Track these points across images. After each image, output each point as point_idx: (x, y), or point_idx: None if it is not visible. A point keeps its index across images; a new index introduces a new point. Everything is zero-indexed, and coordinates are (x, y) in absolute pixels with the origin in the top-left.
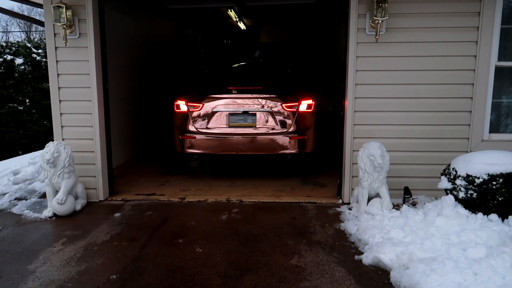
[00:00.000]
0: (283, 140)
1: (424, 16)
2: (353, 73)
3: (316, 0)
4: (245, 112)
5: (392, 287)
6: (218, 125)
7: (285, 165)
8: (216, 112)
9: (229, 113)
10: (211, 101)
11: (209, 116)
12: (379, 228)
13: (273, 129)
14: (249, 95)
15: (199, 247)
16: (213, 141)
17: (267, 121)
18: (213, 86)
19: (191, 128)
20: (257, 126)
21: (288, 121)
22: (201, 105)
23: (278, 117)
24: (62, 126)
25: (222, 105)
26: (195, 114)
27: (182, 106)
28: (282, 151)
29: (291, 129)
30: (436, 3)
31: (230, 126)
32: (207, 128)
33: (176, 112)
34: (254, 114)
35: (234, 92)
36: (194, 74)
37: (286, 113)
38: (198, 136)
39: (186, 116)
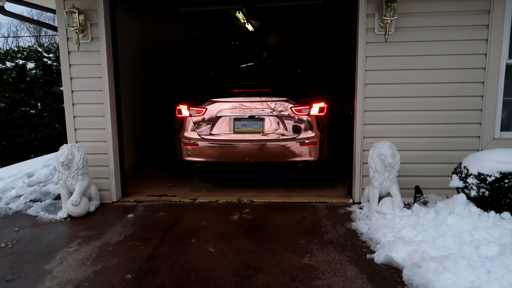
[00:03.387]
0: (293, 146)
1: (434, 15)
2: (362, 73)
3: (323, 0)
4: (252, 117)
5: (405, 286)
6: (223, 131)
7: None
8: (221, 117)
9: (234, 118)
10: (215, 105)
11: (213, 121)
12: (390, 227)
13: (282, 135)
14: (256, 98)
15: (212, 247)
16: (216, 149)
17: (275, 126)
18: (218, 89)
19: (194, 134)
20: (265, 132)
21: (299, 126)
22: (204, 109)
23: (288, 122)
24: (75, 129)
25: (227, 109)
26: (197, 119)
27: (184, 110)
28: (292, 159)
29: (302, 134)
30: (446, 2)
31: (235, 132)
32: (210, 134)
33: (177, 117)
34: (262, 119)
35: (240, 95)
36: (198, 76)
37: (296, 117)
38: (201, 143)
39: (188, 122)
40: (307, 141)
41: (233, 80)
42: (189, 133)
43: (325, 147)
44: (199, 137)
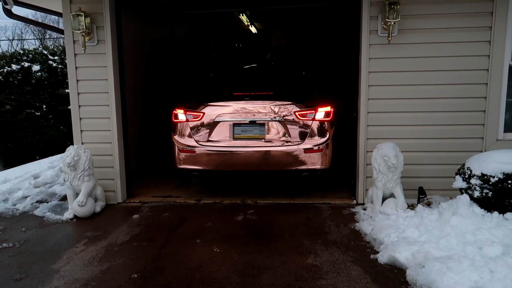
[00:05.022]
0: (297, 154)
1: (437, 17)
2: (365, 74)
3: (326, 3)
4: (253, 122)
5: (408, 286)
6: (221, 137)
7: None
8: (219, 122)
9: (233, 123)
10: (214, 109)
11: (211, 126)
12: (394, 228)
13: (285, 141)
14: (258, 102)
15: (217, 247)
16: (215, 156)
17: (278, 132)
18: (217, 92)
19: (190, 141)
20: (266, 138)
21: (303, 132)
22: (202, 114)
23: (291, 127)
24: (81, 131)
25: (226, 113)
26: (195, 124)
27: (180, 115)
28: (296, 167)
29: (307, 141)
30: (448, 4)
31: (235, 138)
32: (208, 140)
33: (174, 121)
34: (263, 124)
35: (240, 98)
36: (197, 79)
37: (300, 123)
38: (198, 150)
39: (184, 127)
40: (312, 148)
41: (233, 83)
42: (186, 139)
43: (332, 155)
44: (196, 144)
